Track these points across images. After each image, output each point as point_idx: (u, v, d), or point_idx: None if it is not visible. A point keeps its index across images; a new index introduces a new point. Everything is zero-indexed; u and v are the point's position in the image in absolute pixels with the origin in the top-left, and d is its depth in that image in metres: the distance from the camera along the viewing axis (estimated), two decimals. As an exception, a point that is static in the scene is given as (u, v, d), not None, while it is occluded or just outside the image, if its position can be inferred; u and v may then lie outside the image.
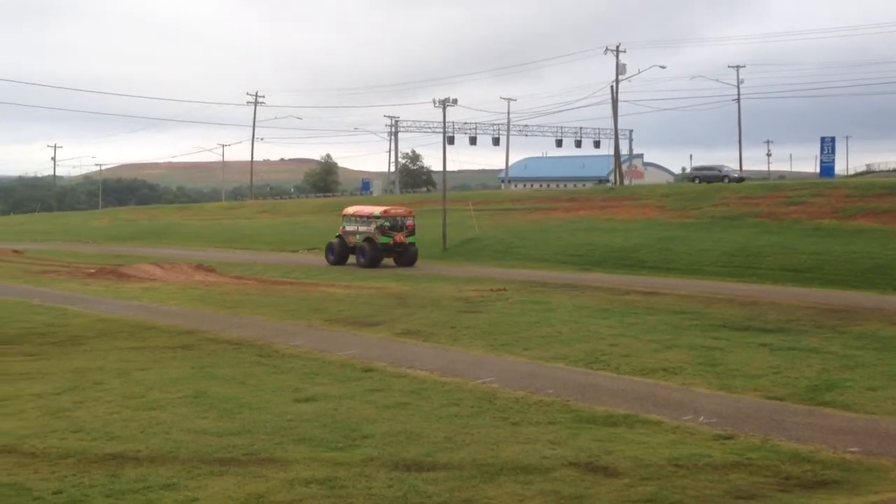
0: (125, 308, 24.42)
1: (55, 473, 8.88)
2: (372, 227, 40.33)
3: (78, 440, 10.22)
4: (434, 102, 49.56)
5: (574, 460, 9.46)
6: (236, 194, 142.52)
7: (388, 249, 40.28)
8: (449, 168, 50.62)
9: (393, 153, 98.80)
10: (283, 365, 15.52)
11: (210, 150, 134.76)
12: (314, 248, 50.24)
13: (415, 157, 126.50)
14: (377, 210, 41.91)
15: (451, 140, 73.07)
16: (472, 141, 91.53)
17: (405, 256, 40.50)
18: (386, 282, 31.57)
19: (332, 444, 10.00)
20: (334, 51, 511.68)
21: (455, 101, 49.46)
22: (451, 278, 32.47)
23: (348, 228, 41.68)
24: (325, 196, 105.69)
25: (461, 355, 16.51)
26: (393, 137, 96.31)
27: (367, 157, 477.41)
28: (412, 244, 40.78)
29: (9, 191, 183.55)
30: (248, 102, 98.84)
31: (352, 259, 40.59)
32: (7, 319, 22.18)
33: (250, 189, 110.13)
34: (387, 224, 40.33)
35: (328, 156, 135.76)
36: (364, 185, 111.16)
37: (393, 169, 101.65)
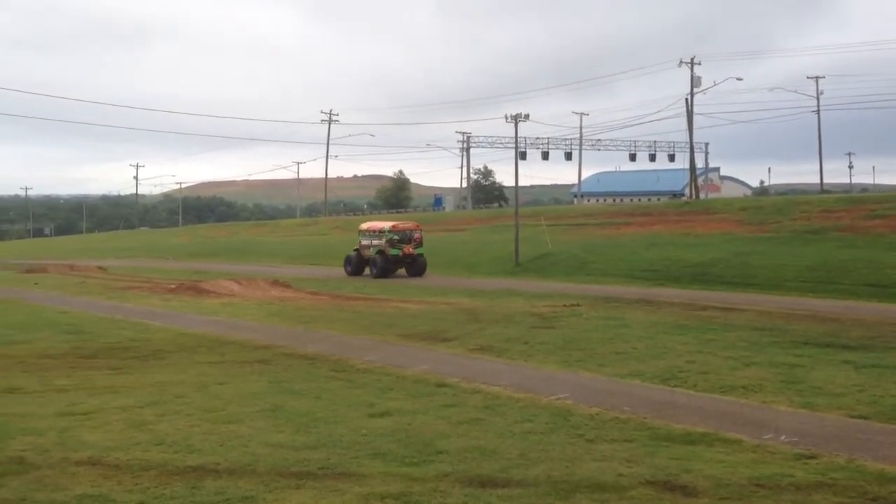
0: (204, 323, 24.95)
1: (138, 485, 9.10)
2: (383, 241, 44.10)
3: (160, 452, 10.46)
4: (506, 118, 49.57)
5: (651, 479, 9.31)
6: (311, 211, 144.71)
7: (399, 261, 44.08)
8: (521, 183, 50.55)
9: (465, 169, 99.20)
10: (357, 380, 15.65)
11: (286, 167, 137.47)
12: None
13: (487, 173, 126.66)
14: (387, 225, 46.16)
15: (523, 155, 72.93)
16: (545, 156, 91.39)
17: (415, 267, 44.09)
18: (458, 297, 31.61)
19: (407, 460, 10.03)
20: (408, 68, 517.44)
21: (527, 117, 49.37)
22: (523, 294, 32.35)
23: (363, 242, 45.55)
24: (397, 212, 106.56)
25: (535, 371, 16.42)
26: (465, 153, 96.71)
27: (439, 172, 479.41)
28: (420, 255, 44.49)
29: (93, 209, 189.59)
30: (322, 121, 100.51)
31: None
32: (93, 334, 22.87)
33: (324, 205, 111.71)
34: (396, 237, 44.19)
35: (400, 172, 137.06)
36: (436, 201, 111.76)
37: (465, 185, 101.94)
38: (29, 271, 54.83)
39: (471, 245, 53.40)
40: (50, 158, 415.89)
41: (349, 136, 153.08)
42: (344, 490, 8.85)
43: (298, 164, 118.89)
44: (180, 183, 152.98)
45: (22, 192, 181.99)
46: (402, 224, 47.48)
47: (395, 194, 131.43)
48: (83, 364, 18.03)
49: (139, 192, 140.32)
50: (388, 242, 44.00)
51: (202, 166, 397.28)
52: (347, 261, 46.23)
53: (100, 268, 56.97)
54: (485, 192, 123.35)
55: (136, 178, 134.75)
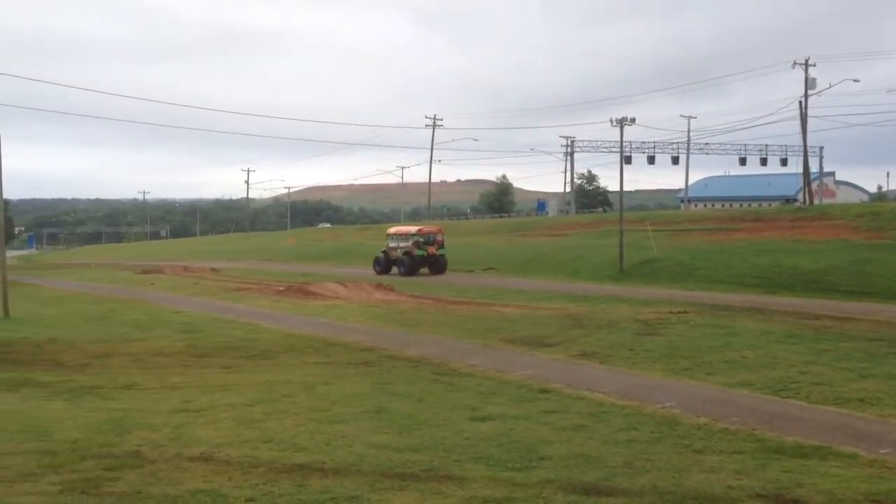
0: (311, 324, 25.48)
1: (247, 481, 9.33)
2: (409, 243, 49.32)
3: (268, 450, 10.71)
4: (611, 121, 48.94)
5: (762, 492, 9.02)
6: (414, 215, 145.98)
7: (424, 260, 48.97)
8: (626, 188, 49.82)
9: (568, 173, 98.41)
10: (459, 383, 15.70)
11: (390, 172, 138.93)
12: (490, 269, 50.64)
13: (591, 178, 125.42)
14: (413, 229, 51.93)
15: (628, 159, 71.92)
16: (651, 160, 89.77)
17: (437, 266, 49.19)
18: (562, 302, 31.38)
19: (510, 465, 10.00)
20: (513, 72, 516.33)
21: (633, 120, 48.66)
22: (628, 300, 31.87)
23: (391, 245, 50.61)
24: (500, 217, 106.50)
25: (640, 379, 16.14)
26: (569, 157, 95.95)
27: (542, 177, 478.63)
28: (442, 255, 49.65)
29: (207, 212, 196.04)
30: (426, 125, 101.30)
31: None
32: (206, 334, 23.65)
33: (428, 210, 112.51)
34: (421, 240, 49.53)
35: (504, 176, 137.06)
36: (539, 206, 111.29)
37: (568, 189, 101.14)
38: (146, 272, 57.13)
39: (574, 250, 52.90)
40: (166, 164, 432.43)
41: (453, 140, 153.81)
42: (447, 493, 8.88)
43: (403, 168, 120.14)
44: (289, 187, 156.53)
45: (140, 196, 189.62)
46: (426, 228, 53.17)
47: (498, 199, 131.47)
48: (196, 362, 18.66)
49: (250, 196, 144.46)
50: (414, 244, 49.08)
51: (310, 171, 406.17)
52: (376, 261, 50.87)
53: (212, 269, 58.91)
54: (588, 196, 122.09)
55: (247, 182, 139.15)
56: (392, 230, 53.84)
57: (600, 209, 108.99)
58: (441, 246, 50.04)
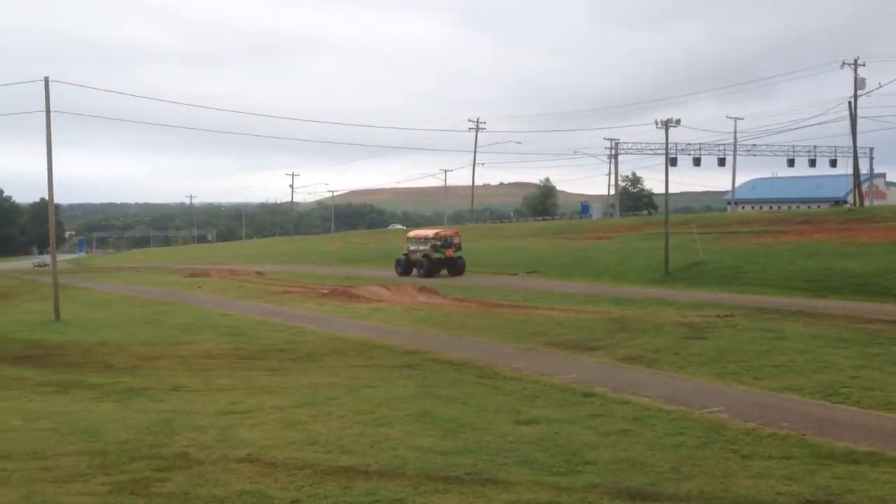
0: (355, 327, 25.61)
1: (293, 483, 9.40)
2: (428, 246, 51.68)
3: (314, 452, 10.78)
4: (656, 123, 48.46)
5: (812, 498, 8.86)
6: (457, 218, 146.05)
7: (442, 262, 51.13)
8: (671, 190, 49.30)
9: (613, 176, 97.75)
10: (503, 387, 15.66)
11: (433, 175, 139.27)
12: (533, 272, 50.48)
13: (635, 180, 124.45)
14: (431, 233, 54.74)
15: (673, 161, 71.18)
16: (696, 162, 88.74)
17: (455, 267, 51.11)
18: (606, 305, 31.17)
19: (554, 469, 9.95)
20: (557, 74, 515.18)
21: (678, 122, 48.13)
22: (673, 303, 31.55)
23: (411, 248, 53.05)
24: (543, 219, 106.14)
25: (686, 383, 15.97)
26: (613, 160, 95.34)
27: (586, 180, 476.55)
28: (460, 257, 51.64)
29: (252, 216, 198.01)
30: (469, 129, 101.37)
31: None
32: (251, 336, 23.89)
33: (471, 213, 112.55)
34: (439, 243, 51.80)
35: (547, 179, 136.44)
36: (583, 209, 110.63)
37: (612, 192, 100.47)
38: (193, 275, 57.87)
39: (619, 253, 52.53)
40: (213, 168, 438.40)
41: (496, 143, 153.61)
42: (491, 497, 8.86)
43: (445, 171, 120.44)
44: (333, 191, 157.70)
45: (187, 201, 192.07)
46: (443, 231, 56.16)
47: (542, 202, 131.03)
48: (242, 364, 18.86)
49: (294, 200, 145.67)
50: (432, 247, 51.52)
51: (353, 174, 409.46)
52: (398, 263, 53.40)
53: (258, 273, 59.50)
54: (633, 199, 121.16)
55: (291, 186, 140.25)
56: (412, 234, 57.10)
57: (645, 212, 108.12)
58: (458, 248, 52.09)
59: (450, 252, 51.61)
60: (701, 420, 12.70)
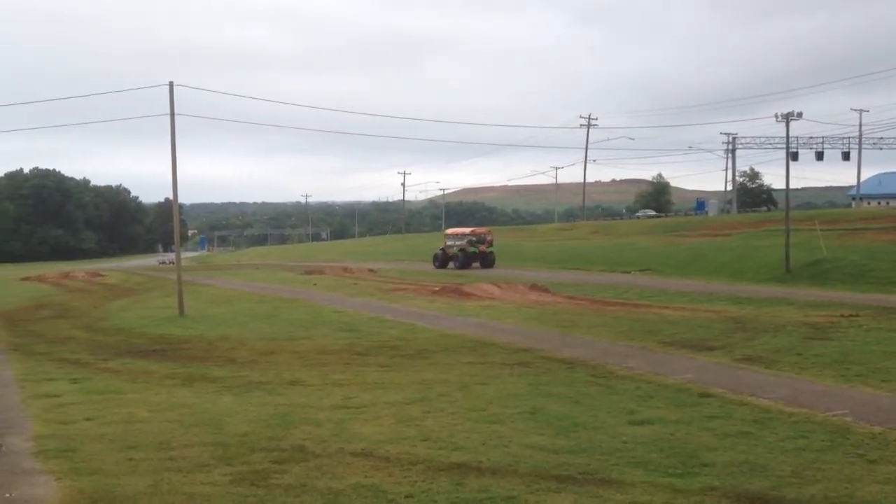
0: (466, 325, 25.71)
1: (406, 478, 9.50)
2: (464, 242, 59.57)
3: (426, 448, 10.87)
4: (776, 117, 46.91)
5: (946, 509, 8.42)
6: (568, 216, 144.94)
7: (475, 256, 58.78)
8: (792, 185, 47.69)
9: (730, 171, 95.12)
10: (616, 386, 15.45)
11: (543, 172, 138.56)
12: (647, 270, 49.65)
13: (753, 175, 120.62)
14: (467, 231, 62.88)
15: (794, 156, 68.68)
16: (819, 156, 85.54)
17: (487, 261, 58.72)
18: (723, 304, 30.37)
19: (670, 470, 9.74)
20: (673, 68, 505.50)
21: (800, 115, 46.50)
22: (795, 302, 30.47)
23: (448, 244, 60.95)
24: (657, 216, 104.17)
25: (808, 385, 15.39)
26: (730, 155, 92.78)
27: (701, 176, 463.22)
28: (491, 252, 59.36)
29: (365, 214, 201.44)
30: (580, 125, 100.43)
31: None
32: (365, 333, 24.30)
33: (582, 210, 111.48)
34: (473, 239, 59.78)
35: (660, 175, 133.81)
36: (699, 205, 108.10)
37: (730, 188, 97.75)
38: (308, 273, 59.25)
39: (736, 250, 51.09)
40: (327, 168, 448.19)
41: (608, 139, 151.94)
42: (605, 497, 8.74)
43: (556, 168, 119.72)
44: (443, 189, 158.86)
45: (302, 200, 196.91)
46: (478, 230, 63.83)
47: (655, 198, 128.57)
48: (356, 360, 19.20)
49: (406, 199, 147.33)
50: (468, 242, 59.30)
51: (463, 173, 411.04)
52: (435, 257, 61.43)
53: (370, 270, 60.47)
54: (751, 195, 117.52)
55: (403, 185, 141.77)
56: (449, 231, 65.82)
57: (764, 208, 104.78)
58: (490, 244, 59.61)
59: (483, 247, 59.10)
60: (824, 423, 12.22)
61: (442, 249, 60.88)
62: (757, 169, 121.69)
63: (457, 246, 59.58)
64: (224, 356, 20.44)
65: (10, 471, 10.19)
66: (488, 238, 60.26)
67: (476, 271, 55.23)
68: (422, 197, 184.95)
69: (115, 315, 33.12)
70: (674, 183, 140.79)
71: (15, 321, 31.44)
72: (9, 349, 22.88)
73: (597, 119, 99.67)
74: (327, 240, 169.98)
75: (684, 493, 8.84)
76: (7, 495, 9.12)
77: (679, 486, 9.08)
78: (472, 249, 58.67)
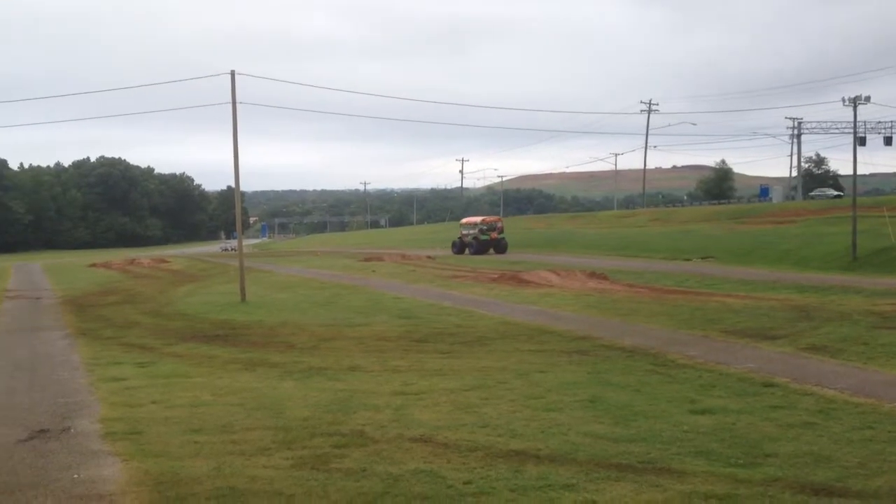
0: (524, 312, 25.64)
1: (465, 465, 9.53)
2: (476, 230, 64.80)
3: (485, 435, 10.89)
4: (843, 101, 45.90)
5: None
6: (628, 202, 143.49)
7: (489, 243, 63.88)
8: (859, 171, 46.59)
9: (795, 157, 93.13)
10: (677, 375, 15.27)
11: (602, 159, 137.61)
12: (709, 258, 48.95)
13: (819, 161, 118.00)
14: (478, 219, 67.89)
15: (862, 141, 67.07)
16: (888, 141, 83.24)
17: (499, 247, 63.76)
18: (787, 293, 29.80)
19: (732, 460, 9.61)
20: (739, 53, 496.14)
21: (868, 99, 45.48)
22: (862, 290, 29.77)
23: (464, 232, 66.48)
24: (719, 203, 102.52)
25: (876, 375, 15.03)
26: (795, 140, 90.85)
27: (765, 161, 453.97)
28: (502, 238, 64.39)
29: (423, 202, 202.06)
30: (641, 111, 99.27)
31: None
32: (423, 320, 24.39)
33: (642, 197, 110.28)
34: (484, 227, 64.85)
35: (723, 161, 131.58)
36: (762, 192, 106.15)
37: (794, 174, 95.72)
38: (367, 259, 59.73)
39: (801, 238, 50.09)
40: (387, 155, 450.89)
41: (669, 125, 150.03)
42: (665, 486, 8.67)
43: (616, 155, 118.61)
44: (502, 176, 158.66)
45: (361, 187, 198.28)
46: (489, 218, 69.25)
47: (718, 185, 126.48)
48: (415, 347, 19.28)
49: (464, 186, 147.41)
50: (480, 231, 64.49)
51: (522, 160, 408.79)
52: (454, 245, 67.26)
53: (428, 257, 60.70)
54: (817, 181, 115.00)
55: (461, 172, 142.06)
56: (464, 221, 71.01)
57: (827, 189, 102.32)
58: (501, 232, 64.77)
59: (494, 234, 64.22)
60: (892, 414, 11.93)
61: (459, 238, 66.53)
62: (823, 154, 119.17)
63: (471, 234, 64.97)
64: (284, 342, 20.70)
65: (79, 452, 10.49)
66: (498, 226, 65.57)
67: (528, 257, 55.05)
68: (480, 184, 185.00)
69: (179, 300, 33.77)
70: (736, 169, 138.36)
71: (83, 306, 32.25)
72: (77, 334, 23.49)
73: (658, 104, 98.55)
74: (386, 227, 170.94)
75: (746, 484, 8.72)
76: (75, 476, 9.38)
77: (741, 477, 8.96)
78: (483, 237, 63.91)
